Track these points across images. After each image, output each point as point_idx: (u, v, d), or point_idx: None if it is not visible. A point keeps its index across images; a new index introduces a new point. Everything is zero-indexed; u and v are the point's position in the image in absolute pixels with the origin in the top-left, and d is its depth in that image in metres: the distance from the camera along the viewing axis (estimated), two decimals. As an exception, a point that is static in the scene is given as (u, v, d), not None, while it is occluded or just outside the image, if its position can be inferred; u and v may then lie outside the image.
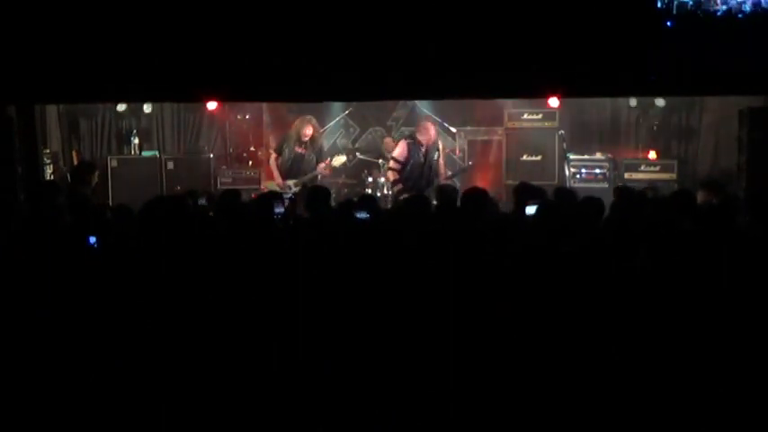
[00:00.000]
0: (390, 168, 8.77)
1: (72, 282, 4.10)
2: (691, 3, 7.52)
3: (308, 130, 8.85)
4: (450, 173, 9.22)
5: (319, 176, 8.96)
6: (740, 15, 7.49)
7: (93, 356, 3.77)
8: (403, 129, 10.62)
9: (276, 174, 8.99)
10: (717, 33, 7.44)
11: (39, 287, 4.05)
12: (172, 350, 3.79)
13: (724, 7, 7.49)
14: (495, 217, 5.55)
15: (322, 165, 8.94)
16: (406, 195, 8.18)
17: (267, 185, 9.30)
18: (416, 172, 8.52)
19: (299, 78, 7.52)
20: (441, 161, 8.78)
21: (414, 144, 8.56)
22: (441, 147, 8.81)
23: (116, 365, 3.73)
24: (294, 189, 8.66)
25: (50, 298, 3.99)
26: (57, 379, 3.72)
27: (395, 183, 8.70)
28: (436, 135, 8.72)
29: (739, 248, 4.19)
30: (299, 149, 8.86)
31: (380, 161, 9.68)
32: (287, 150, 8.88)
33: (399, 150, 8.67)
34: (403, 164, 8.57)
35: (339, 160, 9.52)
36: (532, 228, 5.06)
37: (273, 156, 9.11)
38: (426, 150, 8.53)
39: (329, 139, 10.52)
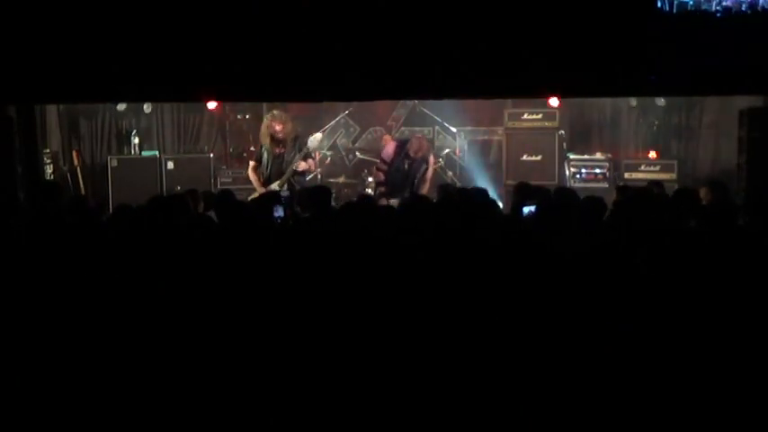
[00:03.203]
0: (378, 168, 8.80)
1: (74, 281, 4.10)
2: (691, 3, 7.52)
3: (278, 126, 8.07)
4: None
5: (306, 174, 8.38)
6: (740, 11, 7.49)
7: (93, 356, 3.76)
8: (403, 129, 10.63)
9: (256, 184, 8.26)
10: (717, 33, 7.44)
11: (41, 286, 4.06)
12: (171, 350, 3.79)
13: (722, 7, 7.49)
14: (495, 217, 5.55)
15: (302, 162, 8.12)
16: (385, 198, 8.23)
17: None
18: (397, 177, 8.50)
19: (299, 78, 7.52)
20: (428, 176, 8.60)
21: (401, 149, 8.53)
22: (431, 163, 8.70)
23: (115, 364, 3.73)
24: (281, 190, 7.99)
25: (52, 297, 3.99)
26: (57, 378, 3.72)
27: (379, 183, 8.71)
28: (426, 152, 8.58)
29: (741, 248, 4.19)
30: (277, 150, 8.15)
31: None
32: (265, 154, 8.22)
33: (386, 150, 8.70)
34: (388, 164, 8.58)
35: (315, 140, 8.42)
36: (532, 228, 5.07)
37: (252, 165, 8.38)
38: (412, 162, 8.47)
39: (329, 139, 10.52)
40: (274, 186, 8.09)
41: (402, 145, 8.59)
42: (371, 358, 3.70)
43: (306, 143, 8.25)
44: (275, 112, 8.33)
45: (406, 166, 8.49)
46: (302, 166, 8.15)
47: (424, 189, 8.47)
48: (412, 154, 8.43)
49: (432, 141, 10.27)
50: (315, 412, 3.59)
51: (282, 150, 8.17)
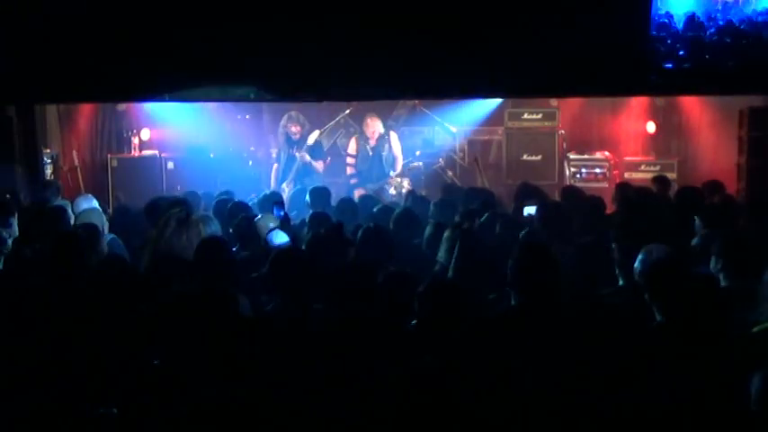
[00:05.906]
0: (347, 164, 9.32)
1: (74, 286, 4.10)
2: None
3: (294, 128, 8.61)
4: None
5: (315, 175, 8.72)
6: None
7: (94, 360, 3.76)
8: (403, 128, 10.61)
9: (273, 182, 8.84)
10: (717, 33, 7.45)
11: (43, 288, 4.05)
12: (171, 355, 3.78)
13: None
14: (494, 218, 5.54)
15: (320, 163, 8.78)
16: (359, 188, 8.80)
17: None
18: (366, 165, 9.09)
19: (299, 78, 7.53)
20: (395, 154, 9.12)
21: (361, 138, 9.18)
22: (393, 140, 9.16)
23: (118, 368, 3.72)
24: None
25: (53, 300, 3.99)
26: (56, 381, 3.71)
27: (351, 176, 9.21)
28: (376, 126, 9.08)
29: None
30: (291, 151, 8.60)
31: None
32: (282, 154, 8.66)
33: (350, 146, 9.33)
34: (354, 158, 9.19)
35: (314, 136, 8.95)
36: (532, 228, 5.07)
37: (275, 166, 9.00)
38: (375, 145, 9.06)
39: (329, 139, 10.51)
40: (284, 186, 8.48)
41: (360, 135, 9.26)
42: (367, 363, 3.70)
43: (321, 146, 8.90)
44: (292, 113, 8.73)
45: (370, 152, 9.08)
46: (319, 166, 8.71)
47: (398, 166, 9.12)
48: (369, 136, 9.07)
49: (432, 141, 10.30)
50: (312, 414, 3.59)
51: (298, 154, 8.56)
